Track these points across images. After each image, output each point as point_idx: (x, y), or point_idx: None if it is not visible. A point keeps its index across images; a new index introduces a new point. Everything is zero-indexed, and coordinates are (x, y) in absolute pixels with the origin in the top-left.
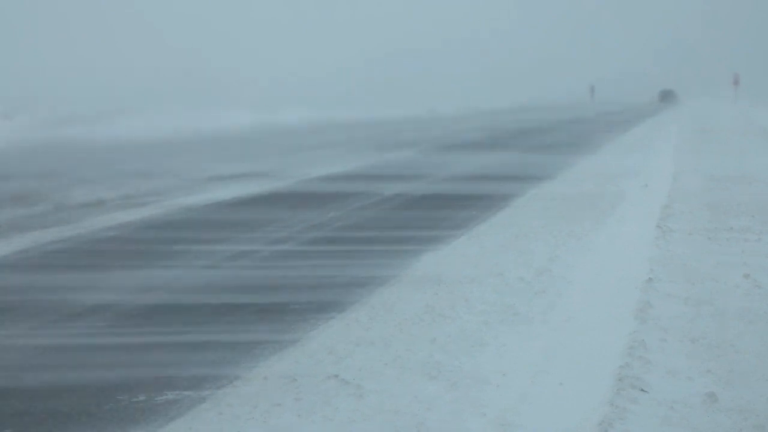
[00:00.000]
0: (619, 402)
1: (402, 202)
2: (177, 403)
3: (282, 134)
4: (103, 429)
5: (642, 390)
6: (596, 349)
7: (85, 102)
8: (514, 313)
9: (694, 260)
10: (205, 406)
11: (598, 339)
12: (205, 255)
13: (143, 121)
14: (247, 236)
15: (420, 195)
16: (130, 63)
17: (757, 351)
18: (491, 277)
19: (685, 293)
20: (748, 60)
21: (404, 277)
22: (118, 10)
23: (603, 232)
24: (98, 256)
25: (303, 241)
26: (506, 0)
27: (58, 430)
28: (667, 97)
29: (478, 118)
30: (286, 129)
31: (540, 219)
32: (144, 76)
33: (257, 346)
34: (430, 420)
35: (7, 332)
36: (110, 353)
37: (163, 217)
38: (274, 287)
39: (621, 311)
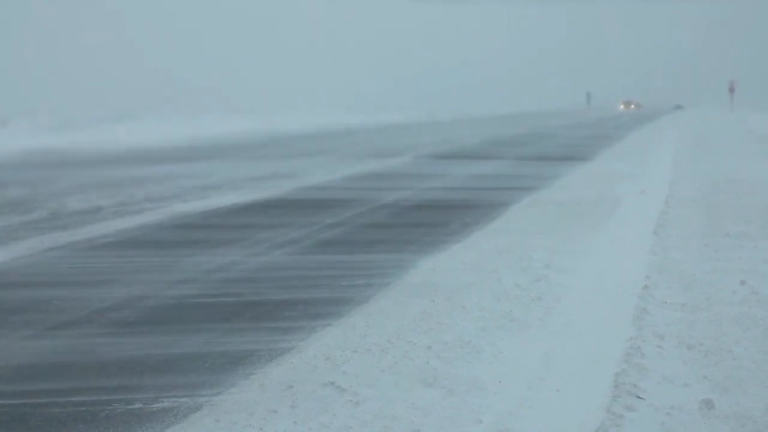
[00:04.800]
0: (616, 408)
1: (398, 208)
2: (173, 410)
3: (281, 141)
4: None
5: (638, 397)
6: (593, 355)
7: (84, 108)
8: (511, 319)
9: (691, 266)
10: (201, 412)
11: (595, 345)
12: (195, 264)
13: (141, 128)
14: (242, 244)
15: (416, 202)
16: (129, 68)
17: (754, 357)
18: (488, 284)
19: (681, 300)
20: (746, 68)
21: (401, 283)
22: (119, 14)
23: (600, 238)
24: (94, 264)
25: (299, 248)
26: (508, 9)
27: None
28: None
29: (475, 124)
30: (285, 135)
31: (537, 225)
32: (143, 82)
33: (254, 353)
34: (426, 427)
35: (1, 338)
36: (105, 361)
37: (158, 225)
38: (270, 294)
39: (618, 317)
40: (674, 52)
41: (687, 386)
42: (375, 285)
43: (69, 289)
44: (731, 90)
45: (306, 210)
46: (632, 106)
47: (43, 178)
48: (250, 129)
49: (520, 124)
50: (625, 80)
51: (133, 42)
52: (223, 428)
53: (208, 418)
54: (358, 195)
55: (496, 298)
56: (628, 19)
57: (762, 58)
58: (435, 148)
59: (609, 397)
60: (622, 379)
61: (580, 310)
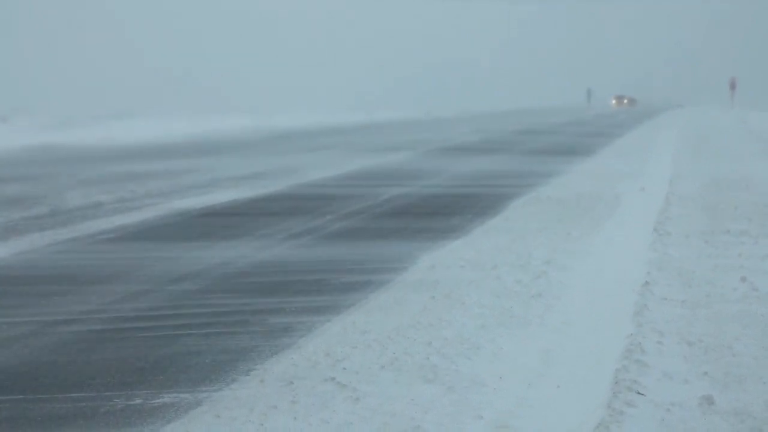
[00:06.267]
0: (616, 405)
1: (397, 205)
2: (174, 405)
3: (281, 138)
4: None
5: (639, 393)
6: (593, 352)
7: (84, 106)
8: (511, 316)
9: (691, 263)
10: (202, 408)
11: (595, 342)
12: (196, 260)
13: (141, 126)
14: (242, 240)
15: (416, 198)
16: (128, 68)
17: (754, 354)
18: (488, 280)
19: (681, 296)
20: (747, 67)
21: (401, 280)
22: (119, 14)
23: (600, 236)
24: (95, 260)
25: (298, 245)
26: (508, 7)
27: None
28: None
29: (474, 121)
30: (285, 133)
31: (537, 222)
32: (143, 81)
33: (254, 349)
34: (426, 423)
35: (1, 334)
36: (106, 357)
37: (159, 221)
38: (270, 290)
39: (618, 314)
40: (675, 51)
41: (687, 382)
42: (375, 281)
43: (69, 285)
44: (732, 87)
45: (306, 206)
46: (625, 102)
47: (43, 175)
48: (250, 126)
49: (519, 121)
50: (626, 78)
51: (133, 42)
52: (224, 424)
53: (209, 414)
54: (356, 192)
55: (496, 295)
56: (629, 16)
57: (763, 58)
58: (434, 145)
59: (609, 393)
60: (623, 375)
61: (580, 307)
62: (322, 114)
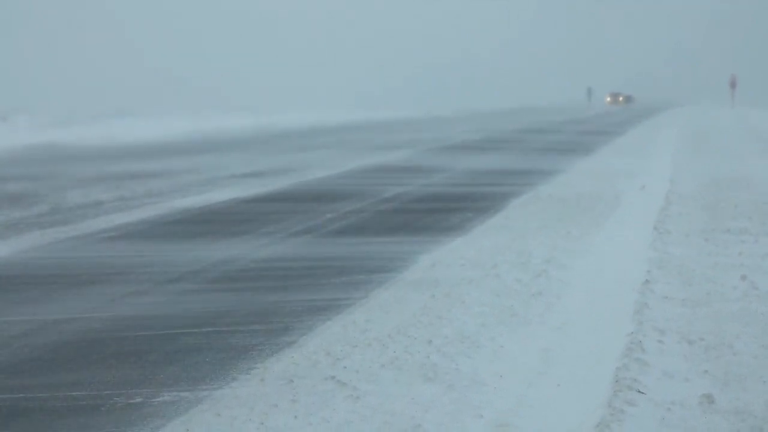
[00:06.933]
0: (617, 404)
1: (399, 203)
2: (174, 404)
3: (281, 137)
4: (100, 431)
5: (639, 392)
6: (594, 350)
7: (84, 105)
8: (511, 315)
9: (691, 262)
10: (202, 407)
11: (595, 341)
12: (196, 259)
13: (141, 125)
14: (242, 239)
15: (416, 196)
16: (128, 68)
17: (754, 352)
18: (488, 279)
19: (682, 295)
20: (747, 64)
21: (401, 278)
22: (119, 14)
23: (600, 234)
24: (95, 258)
25: (298, 243)
26: (508, 5)
27: (53, 431)
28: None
29: (474, 120)
30: (285, 132)
31: (537, 221)
32: (142, 81)
33: (254, 348)
34: (427, 422)
35: (2, 332)
36: (106, 355)
37: (159, 220)
38: (270, 289)
39: (618, 313)
40: (675, 50)
41: (687, 381)
42: (375, 280)
43: (70, 284)
44: (732, 85)
45: (306, 205)
46: (620, 99)
47: (43, 173)
48: (251, 125)
49: (519, 120)
50: (626, 77)
51: (133, 42)
52: (224, 422)
53: (209, 413)
54: (357, 190)
55: (496, 293)
56: (629, 16)
57: (763, 57)
58: (435, 144)
59: (610, 392)
60: (623, 374)
61: (580, 305)
62: (323, 113)
